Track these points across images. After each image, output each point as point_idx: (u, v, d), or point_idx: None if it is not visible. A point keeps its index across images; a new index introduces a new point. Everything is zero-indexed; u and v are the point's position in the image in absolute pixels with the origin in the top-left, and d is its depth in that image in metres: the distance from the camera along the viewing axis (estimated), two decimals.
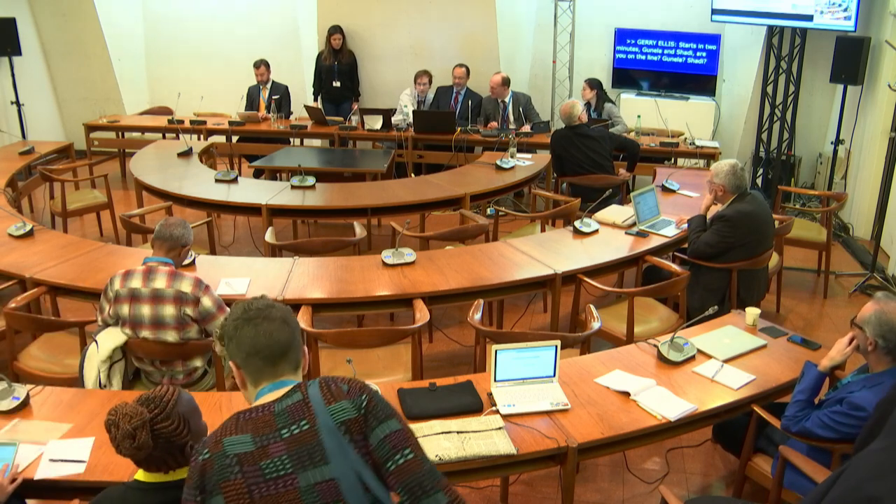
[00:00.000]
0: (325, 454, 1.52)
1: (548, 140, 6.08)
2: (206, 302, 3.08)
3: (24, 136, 7.76)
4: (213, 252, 5.13)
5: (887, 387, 2.40)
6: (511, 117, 7.07)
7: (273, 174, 6.34)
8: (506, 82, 7.01)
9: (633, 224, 4.50)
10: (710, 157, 6.49)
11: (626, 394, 2.74)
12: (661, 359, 2.98)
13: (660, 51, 7.71)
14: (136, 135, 7.87)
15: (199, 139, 7.00)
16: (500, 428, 2.53)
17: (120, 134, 7.83)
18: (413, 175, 6.76)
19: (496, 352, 2.74)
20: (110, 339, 3.07)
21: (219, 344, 1.70)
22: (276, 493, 1.48)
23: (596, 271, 4.03)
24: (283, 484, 1.49)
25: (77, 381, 3.12)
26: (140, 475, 1.86)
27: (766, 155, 7.37)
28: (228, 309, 3.14)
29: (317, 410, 1.55)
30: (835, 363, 2.68)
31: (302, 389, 1.59)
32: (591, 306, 3.46)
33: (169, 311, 3.03)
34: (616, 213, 4.70)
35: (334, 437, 1.53)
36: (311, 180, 5.40)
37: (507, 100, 7.09)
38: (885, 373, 2.50)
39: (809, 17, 6.54)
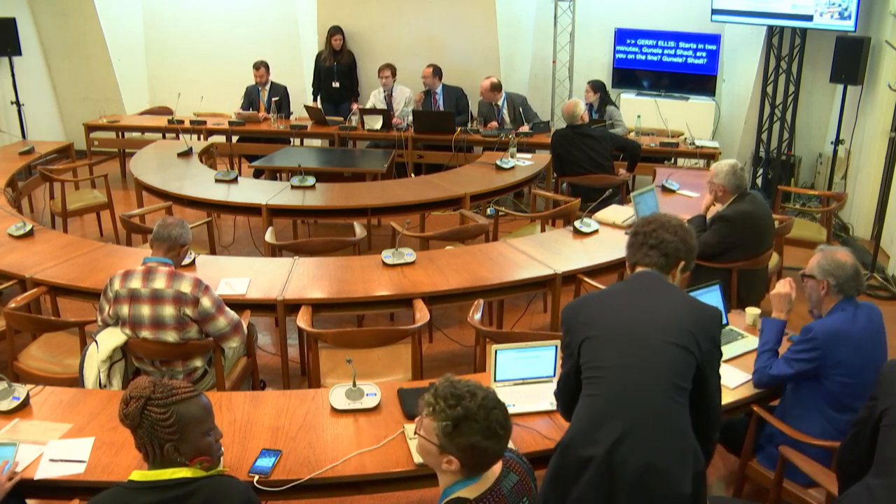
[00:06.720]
0: None
1: (548, 140, 6.07)
2: (206, 302, 3.08)
3: (24, 136, 7.75)
4: (213, 252, 5.13)
5: (838, 316, 2.68)
6: (507, 119, 7.05)
7: (273, 174, 6.34)
8: (495, 87, 6.94)
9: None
10: (710, 157, 6.49)
11: None
12: None
13: (660, 51, 7.70)
14: (136, 135, 7.86)
15: (199, 139, 6.99)
16: None
17: (120, 134, 7.82)
18: (413, 175, 6.76)
19: (496, 352, 2.74)
20: (110, 339, 3.07)
21: (441, 435, 1.82)
22: None
23: (596, 271, 4.02)
24: None
25: (77, 381, 3.12)
26: (134, 475, 1.87)
27: (766, 155, 7.37)
28: (228, 309, 3.18)
29: (532, 485, 1.95)
30: (785, 309, 2.93)
31: (513, 468, 1.91)
32: None
33: (168, 311, 3.04)
34: (616, 213, 4.70)
35: None
36: (311, 180, 5.40)
37: (500, 103, 7.05)
38: (836, 306, 2.71)
39: (809, 18, 6.54)
